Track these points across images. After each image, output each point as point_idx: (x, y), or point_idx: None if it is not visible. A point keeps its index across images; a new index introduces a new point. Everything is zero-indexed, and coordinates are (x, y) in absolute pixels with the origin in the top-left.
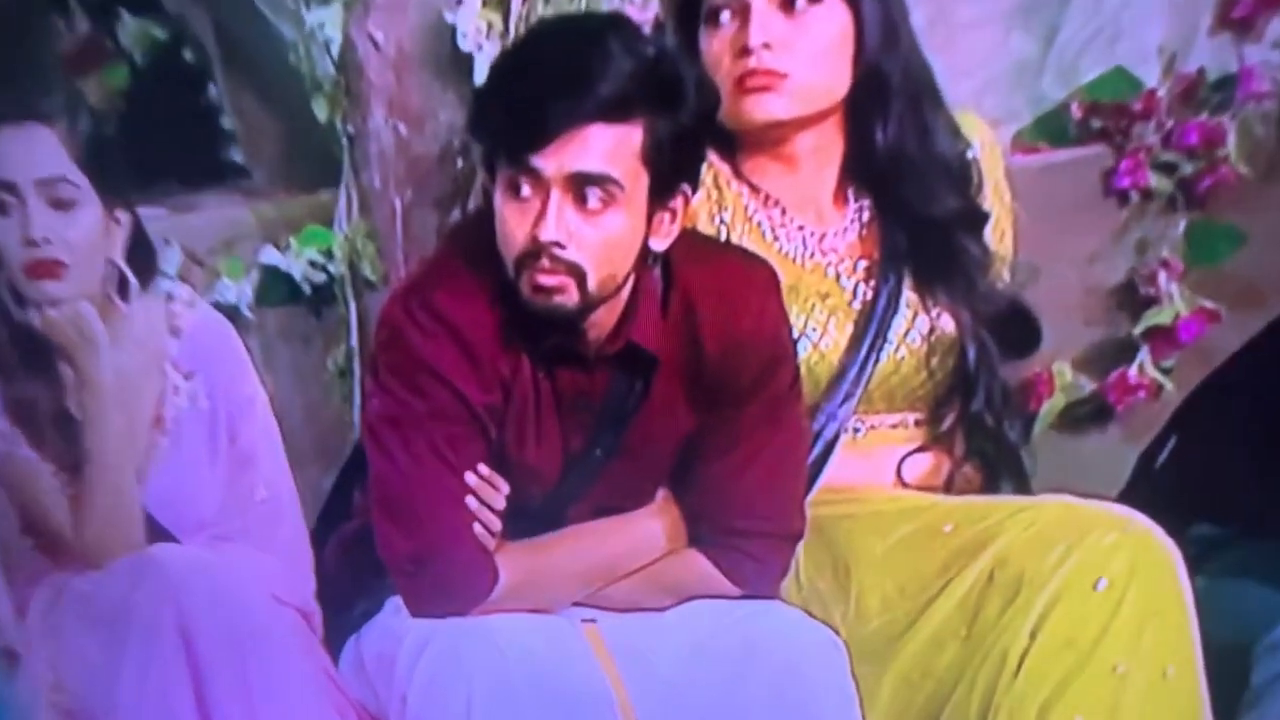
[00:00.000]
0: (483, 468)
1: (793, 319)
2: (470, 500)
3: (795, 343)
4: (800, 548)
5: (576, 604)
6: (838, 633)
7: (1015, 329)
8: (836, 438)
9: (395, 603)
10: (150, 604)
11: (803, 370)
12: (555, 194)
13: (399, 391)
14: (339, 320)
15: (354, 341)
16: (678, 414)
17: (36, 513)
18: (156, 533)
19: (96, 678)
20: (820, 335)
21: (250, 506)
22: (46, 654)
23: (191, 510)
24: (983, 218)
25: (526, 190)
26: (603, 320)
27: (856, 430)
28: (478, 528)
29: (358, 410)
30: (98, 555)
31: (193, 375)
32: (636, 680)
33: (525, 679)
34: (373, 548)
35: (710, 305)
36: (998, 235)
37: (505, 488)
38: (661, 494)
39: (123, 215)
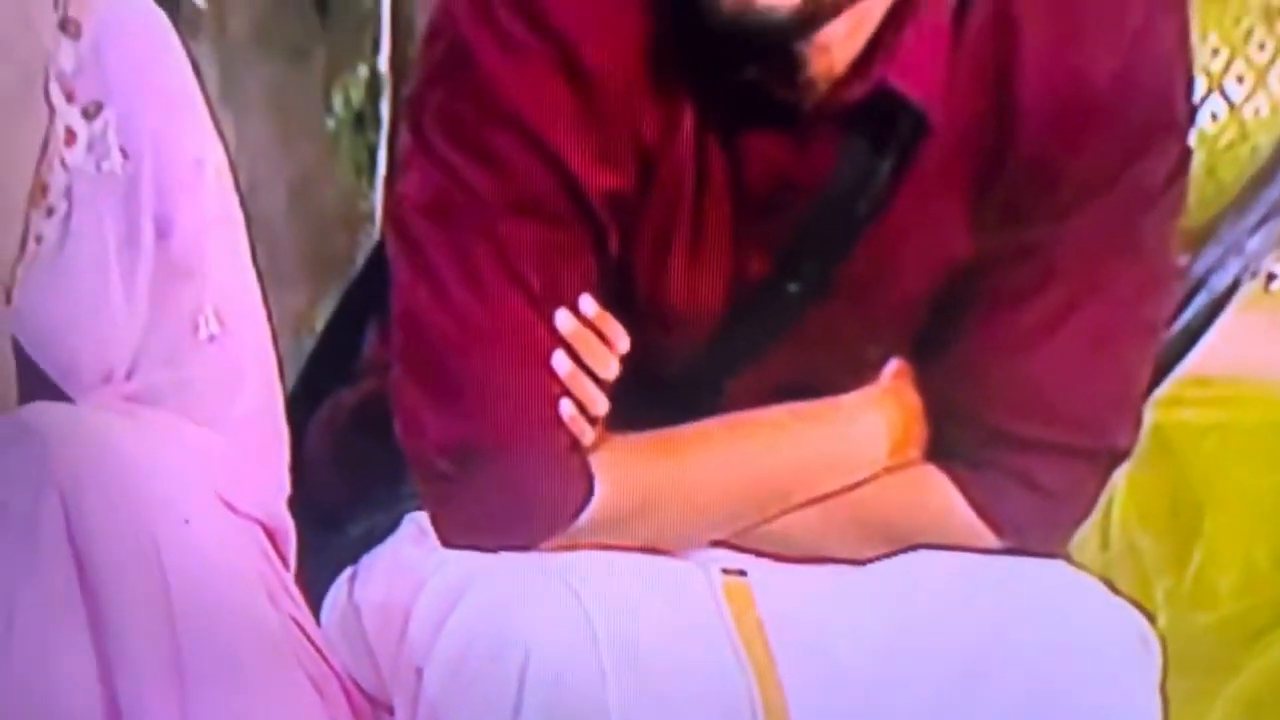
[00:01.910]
0: (588, 303)
1: (1203, 53)
2: (561, 360)
3: (1194, 105)
4: (1119, 477)
5: (716, 544)
6: (1153, 621)
7: None
8: (1233, 288)
9: (416, 524)
10: (20, 500)
11: (1198, 156)
12: None
13: (456, 159)
14: (357, 20)
15: (383, 63)
16: (946, 227)
17: None
18: (33, 386)
19: None
20: (1249, 93)
21: (189, 348)
22: None
23: (92, 350)
24: None
25: None
26: (839, 42)
27: (1273, 279)
28: (567, 407)
29: (380, 191)
30: None
31: (99, 110)
32: (799, 674)
33: (616, 655)
34: (386, 430)
35: (1043, 23)
36: None
37: (623, 342)
38: (892, 370)
39: None
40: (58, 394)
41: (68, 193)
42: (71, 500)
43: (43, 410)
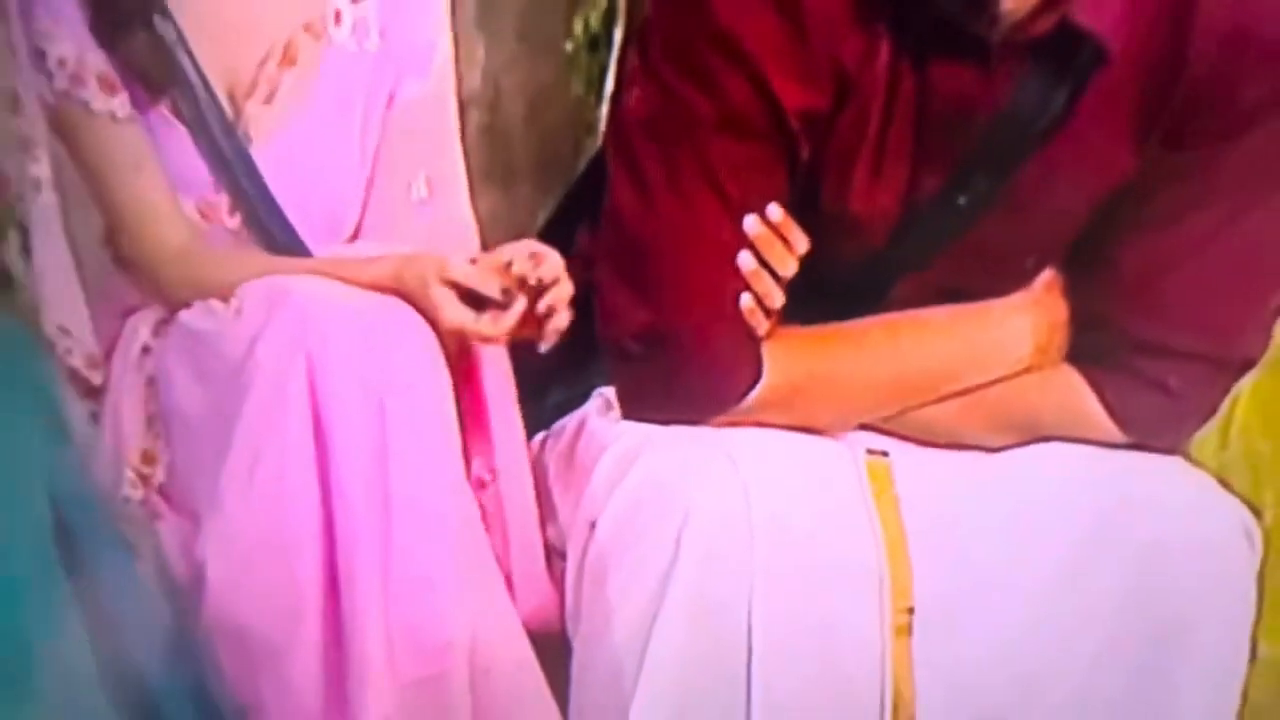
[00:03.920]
0: (775, 210)
1: None
2: (746, 258)
3: None
4: (1244, 382)
5: (863, 427)
6: (1260, 518)
7: None
8: None
9: (604, 397)
10: (273, 358)
11: None
12: None
13: (674, 79)
14: None
15: None
16: (1113, 148)
17: (123, 205)
18: (273, 232)
19: (201, 448)
20: None
21: (403, 211)
22: (134, 411)
23: (327, 204)
24: None
25: None
26: None
27: None
28: (747, 301)
29: (606, 105)
30: (194, 276)
31: None
32: (926, 547)
33: (765, 521)
34: (588, 315)
35: None
36: None
37: (802, 245)
38: (1045, 279)
39: None
40: (293, 242)
41: (319, 62)
42: (318, 362)
43: (304, 280)
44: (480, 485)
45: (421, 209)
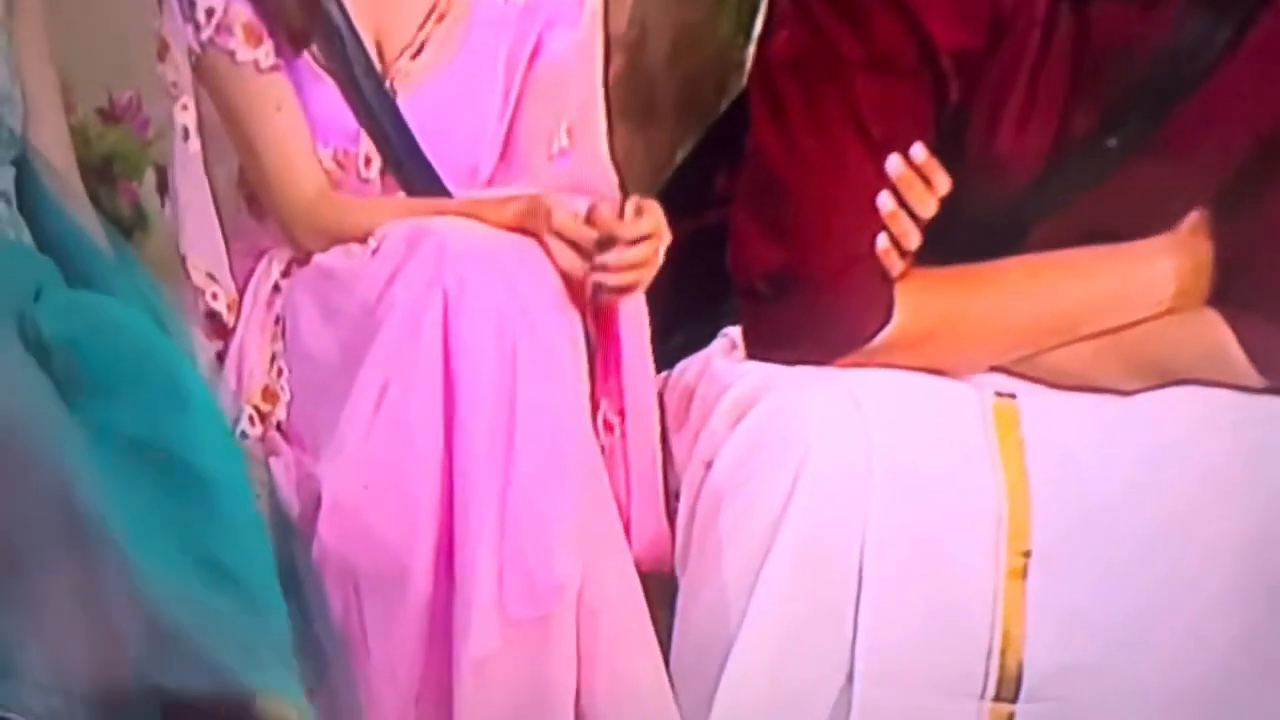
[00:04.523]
0: (919, 150)
1: None
2: (885, 199)
3: None
4: None
5: (992, 369)
6: None
7: None
8: None
9: (729, 337)
10: (410, 295)
11: None
12: None
13: (828, 20)
14: None
15: None
16: (1268, 92)
17: (263, 151)
18: (415, 180)
19: (324, 385)
20: None
21: (541, 161)
22: (261, 349)
23: (465, 149)
24: None
25: None
26: None
27: None
28: (882, 241)
29: (753, 46)
30: (328, 221)
31: None
32: (1048, 490)
33: (885, 463)
34: (720, 255)
35: None
36: None
37: (944, 185)
38: (1190, 221)
39: None
40: (432, 181)
41: (469, 14)
42: (454, 301)
43: (444, 221)
44: (607, 428)
45: (561, 158)
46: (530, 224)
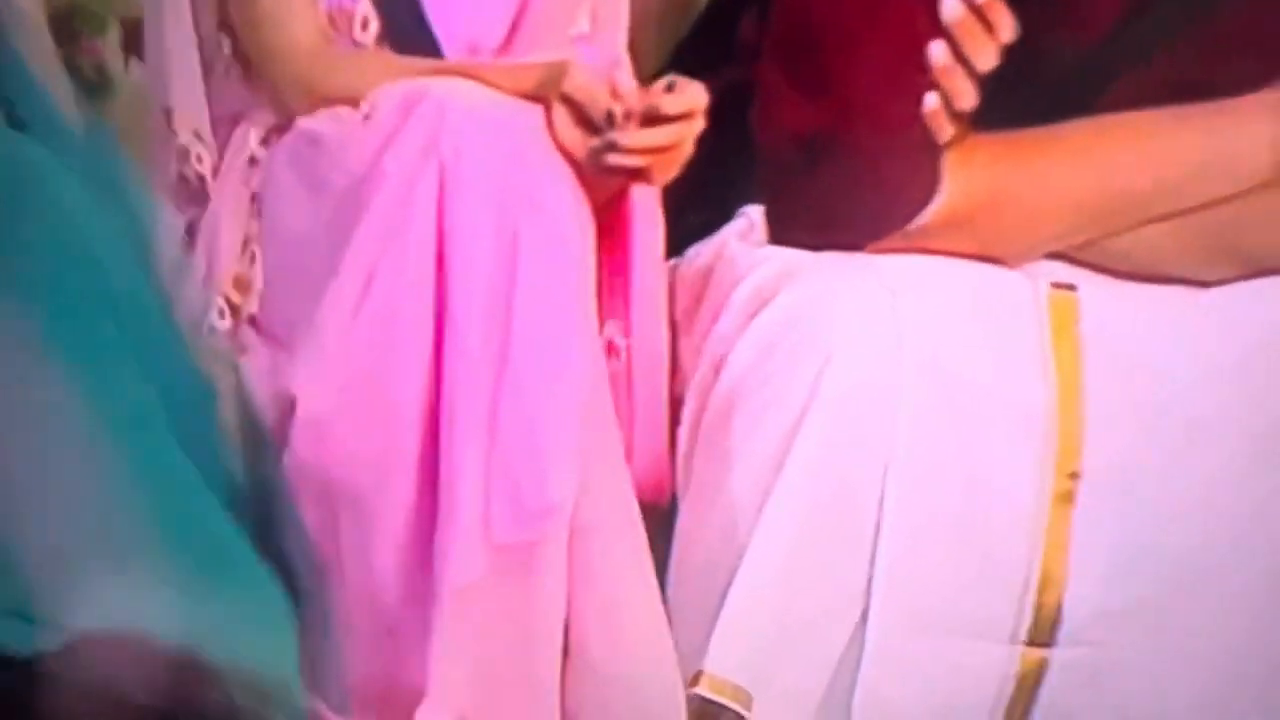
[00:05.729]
0: None
1: None
2: (938, 49)
3: None
4: None
5: (1051, 256)
6: None
7: None
8: None
9: (747, 217)
10: (402, 164)
11: None
12: None
13: None
14: None
15: None
16: None
17: None
18: (412, 41)
19: (303, 273)
20: None
21: (559, 43)
22: (233, 231)
23: (471, 15)
24: None
25: None
26: None
27: None
28: (931, 101)
29: None
30: (321, 76)
31: None
32: (1107, 401)
33: (918, 364)
34: (740, 121)
35: None
36: None
37: (1009, 32)
38: None
39: None
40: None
41: None
42: (451, 176)
43: (445, 82)
44: (611, 351)
45: (581, 43)
46: (546, 92)
